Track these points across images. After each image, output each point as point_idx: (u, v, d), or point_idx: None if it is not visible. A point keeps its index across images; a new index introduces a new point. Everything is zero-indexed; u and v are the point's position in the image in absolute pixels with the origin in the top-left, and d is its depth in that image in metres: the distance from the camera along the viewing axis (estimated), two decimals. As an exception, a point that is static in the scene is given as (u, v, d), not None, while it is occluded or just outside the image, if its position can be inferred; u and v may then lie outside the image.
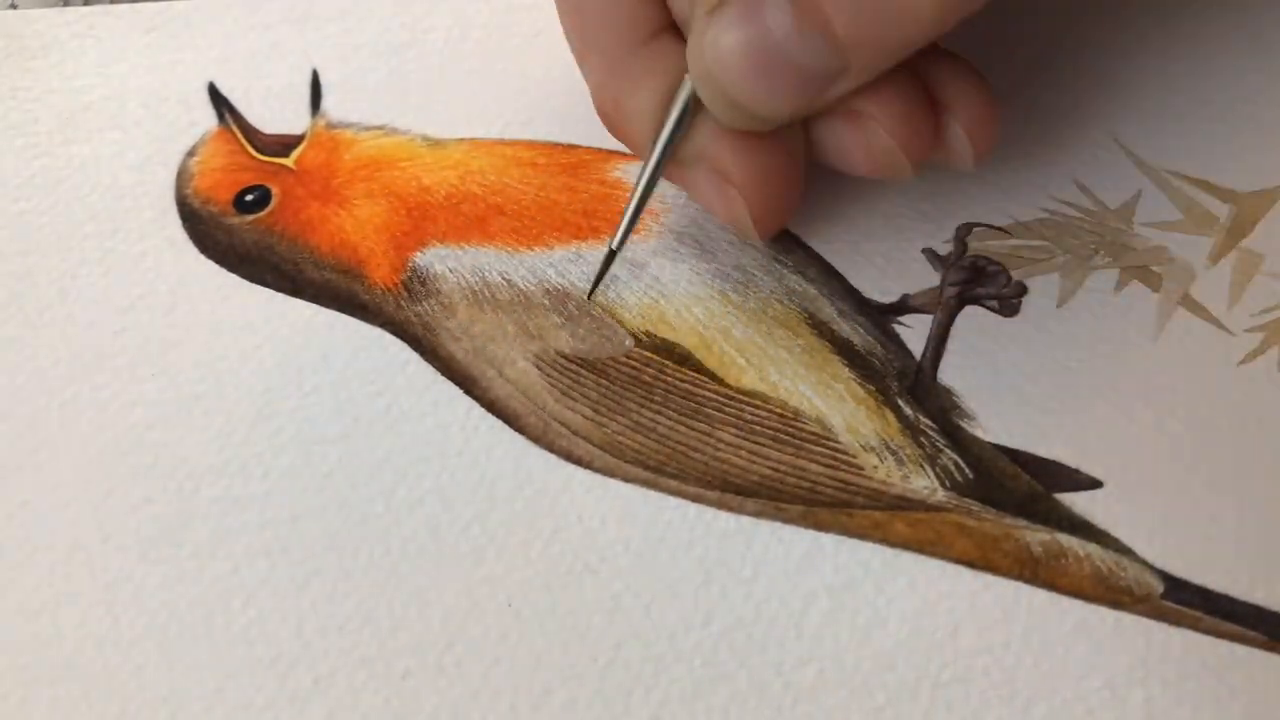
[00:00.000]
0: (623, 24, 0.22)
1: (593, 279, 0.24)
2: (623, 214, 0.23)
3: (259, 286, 0.25)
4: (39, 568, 0.22)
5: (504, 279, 0.25)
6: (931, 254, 0.25)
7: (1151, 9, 0.29)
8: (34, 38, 0.30)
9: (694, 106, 0.21)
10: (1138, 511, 0.21)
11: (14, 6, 0.31)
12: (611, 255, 0.23)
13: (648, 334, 0.24)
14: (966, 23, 0.20)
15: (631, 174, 0.26)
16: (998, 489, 0.22)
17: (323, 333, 0.24)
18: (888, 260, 0.25)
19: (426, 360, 0.24)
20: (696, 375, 0.23)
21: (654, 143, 0.22)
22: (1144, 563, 0.21)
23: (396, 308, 0.24)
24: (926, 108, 0.21)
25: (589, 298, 0.24)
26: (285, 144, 0.27)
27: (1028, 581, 0.21)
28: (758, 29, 0.19)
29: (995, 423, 0.22)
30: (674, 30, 0.22)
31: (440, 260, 0.25)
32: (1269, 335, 0.23)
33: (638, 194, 0.23)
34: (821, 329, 0.24)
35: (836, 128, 0.21)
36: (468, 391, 0.23)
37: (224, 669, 0.20)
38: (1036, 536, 0.21)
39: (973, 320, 0.24)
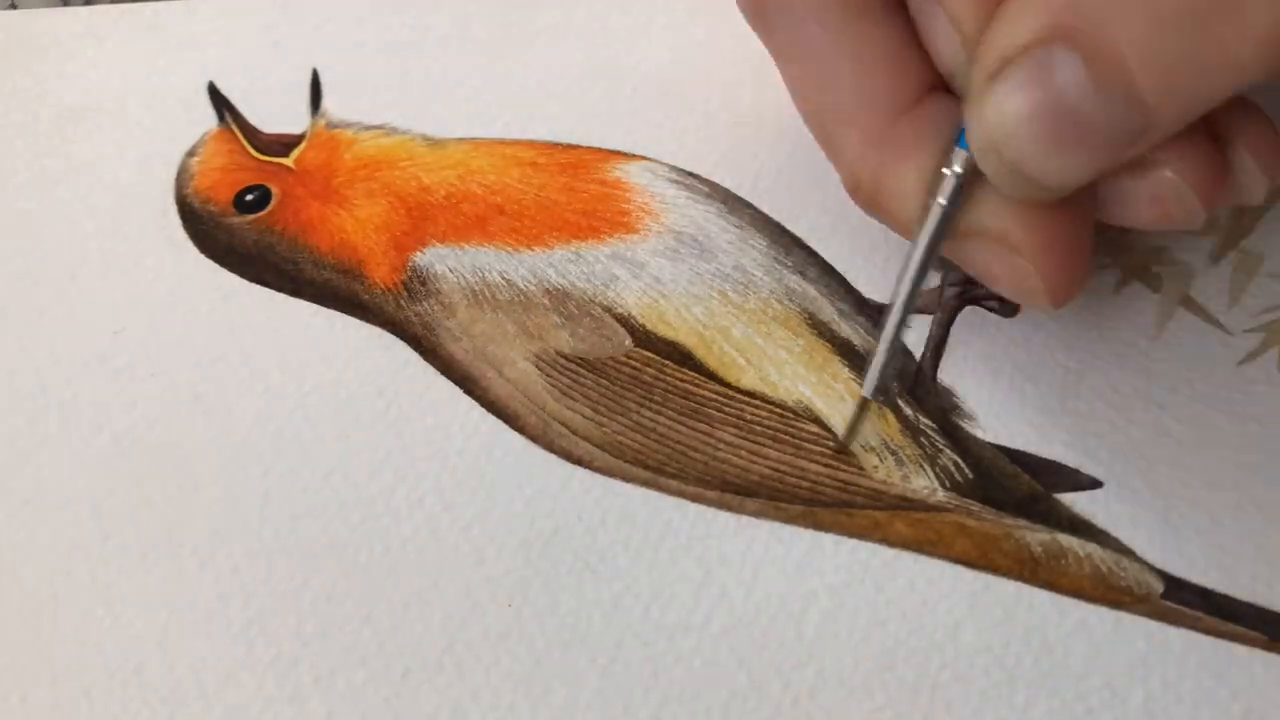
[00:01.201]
0: (882, 91, 0.20)
1: (842, 424, 0.22)
2: (888, 312, 0.20)
3: (259, 286, 0.25)
4: (39, 568, 0.22)
5: (504, 279, 0.25)
6: (932, 254, 0.25)
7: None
8: (34, 38, 0.30)
9: (969, 177, 0.19)
10: (1138, 511, 0.21)
11: (14, 6, 0.31)
12: (865, 404, 0.21)
13: (647, 334, 0.24)
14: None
15: (632, 173, 0.26)
16: (998, 489, 0.22)
17: (323, 333, 0.24)
18: (888, 260, 0.25)
19: (426, 360, 0.24)
20: (696, 375, 0.23)
21: (924, 223, 0.19)
22: (1144, 563, 0.21)
23: (396, 307, 0.24)
24: (1214, 145, 0.19)
25: (846, 443, 0.22)
26: (285, 144, 0.27)
27: (1028, 581, 0.21)
28: (1049, 92, 0.17)
29: (995, 423, 0.22)
30: (941, 90, 0.20)
31: (440, 260, 0.25)
32: (1269, 335, 0.23)
33: (907, 285, 0.20)
34: (821, 329, 0.24)
35: (1119, 179, 0.19)
36: (468, 391, 0.23)
37: (224, 669, 0.20)
38: (1036, 536, 0.21)
39: (973, 320, 0.24)
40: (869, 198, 0.21)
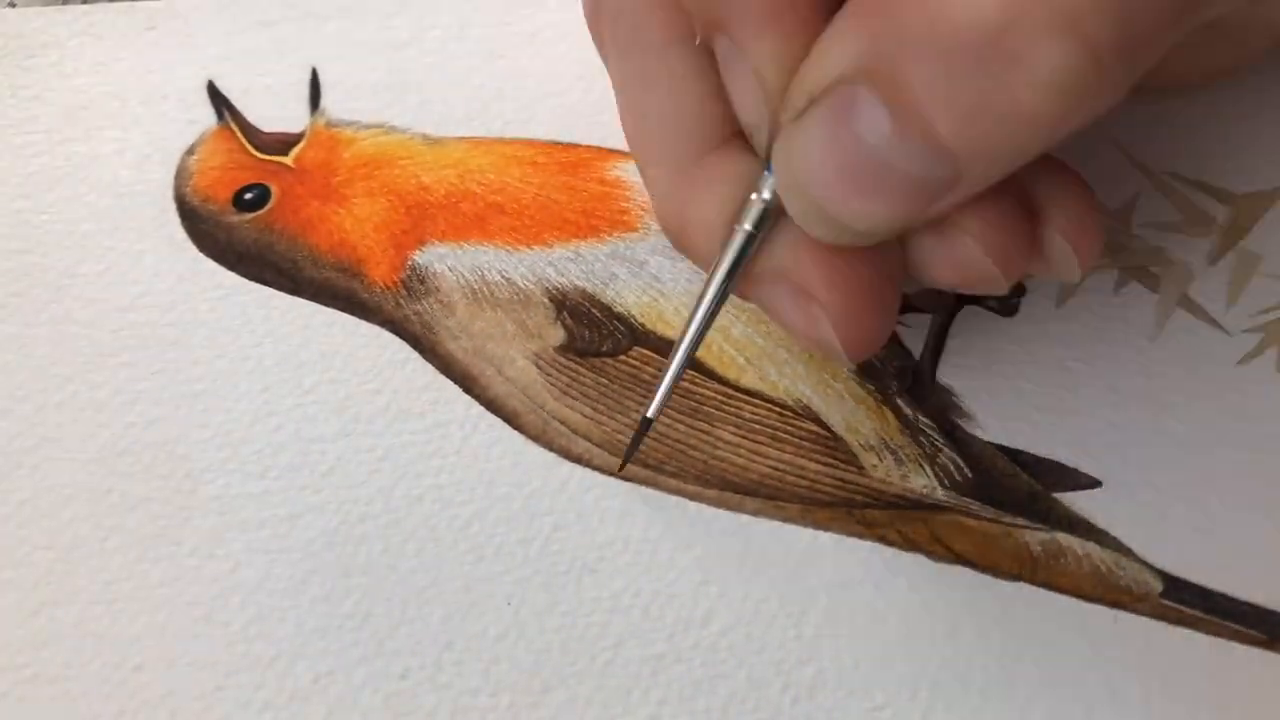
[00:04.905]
0: (687, 130, 0.20)
1: (626, 448, 0.22)
2: (679, 341, 0.20)
3: (258, 285, 0.25)
4: (39, 568, 0.22)
5: (503, 277, 0.25)
6: (931, 253, 0.25)
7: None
8: (33, 36, 0.30)
9: (773, 217, 0.18)
10: (1138, 511, 0.21)
11: (13, 5, 0.31)
12: (647, 424, 0.21)
13: (647, 332, 0.24)
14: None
15: (632, 172, 0.26)
16: (997, 488, 0.22)
17: (322, 331, 0.24)
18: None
19: (426, 359, 0.24)
20: (696, 374, 0.23)
21: (720, 260, 0.19)
22: (1144, 562, 0.21)
23: (396, 306, 0.24)
24: (1021, 213, 0.18)
25: (620, 471, 0.22)
26: (284, 142, 0.27)
27: (1028, 581, 0.21)
28: (850, 136, 0.16)
29: (994, 422, 0.22)
30: (743, 137, 0.19)
31: (439, 259, 0.25)
32: (1267, 336, 0.23)
33: (700, 314, 0.20)
34: (821, 328, 0.24)
35: (921, 236, 0.18)
36: (467, 390, 0.23)
37: (224, 669, 0.20)
38: (1036, 536, 0.21)
39: (973, 320, 0.24)
40: (676, 234, 0.20)
